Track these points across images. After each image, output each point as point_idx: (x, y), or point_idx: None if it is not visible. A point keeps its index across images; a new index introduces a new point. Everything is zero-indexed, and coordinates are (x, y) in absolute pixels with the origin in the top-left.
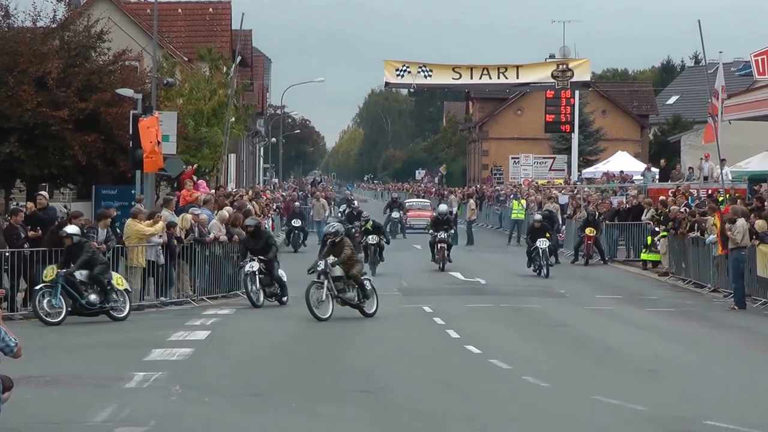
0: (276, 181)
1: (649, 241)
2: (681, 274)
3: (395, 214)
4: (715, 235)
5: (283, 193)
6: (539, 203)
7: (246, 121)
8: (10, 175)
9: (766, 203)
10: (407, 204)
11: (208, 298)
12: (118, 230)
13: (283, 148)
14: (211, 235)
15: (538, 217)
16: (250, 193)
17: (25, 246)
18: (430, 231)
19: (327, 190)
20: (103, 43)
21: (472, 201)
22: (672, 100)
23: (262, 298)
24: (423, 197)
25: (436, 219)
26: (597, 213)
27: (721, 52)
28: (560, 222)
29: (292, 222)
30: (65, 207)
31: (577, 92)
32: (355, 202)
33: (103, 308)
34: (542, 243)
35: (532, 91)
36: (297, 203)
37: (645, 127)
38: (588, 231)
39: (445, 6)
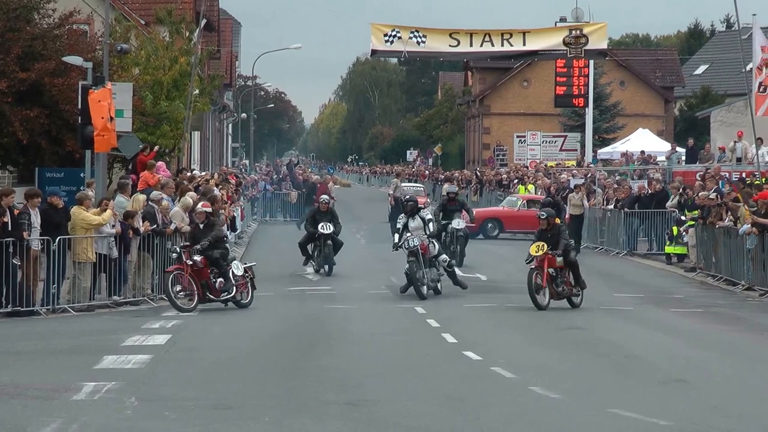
0: (246, 162)
1: (674, 232)
2: (711, 269)
3: (457, 224)
4: (750, 224)
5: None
6: (548, 189)
7: (212, 94)
8: None
9: None
10: None
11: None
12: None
13: (255, 124)
14: (172, 226)
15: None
16: (216, 176)
17: None
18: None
19: (306, 172)
20: (47, 4)
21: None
22: (700, 69)
23: None
24: (416, 181)
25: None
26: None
27: (755, 15)
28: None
29: (320, 227)
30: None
31: (591, 61)
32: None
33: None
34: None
35: (541, 60)
36: (325, 196)
37: (669, 100)
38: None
39: None
